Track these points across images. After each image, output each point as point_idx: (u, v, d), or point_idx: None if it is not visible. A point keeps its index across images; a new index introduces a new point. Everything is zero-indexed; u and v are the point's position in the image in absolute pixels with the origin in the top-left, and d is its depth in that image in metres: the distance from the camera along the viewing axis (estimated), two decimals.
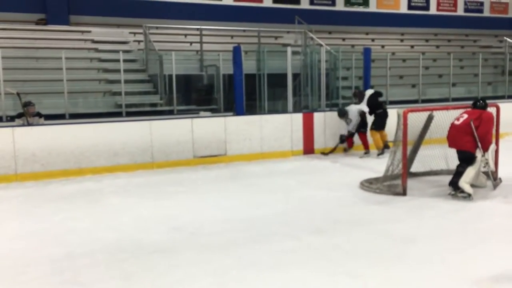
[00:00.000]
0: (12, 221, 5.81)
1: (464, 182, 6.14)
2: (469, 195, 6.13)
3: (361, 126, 9.91)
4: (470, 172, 6.17)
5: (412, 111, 6.62)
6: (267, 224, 5.38)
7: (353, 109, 9.93)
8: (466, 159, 6.24)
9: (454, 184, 6.30)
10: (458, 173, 6.27)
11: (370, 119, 9.94)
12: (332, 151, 10.01)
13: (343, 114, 9.93)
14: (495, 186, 6.67)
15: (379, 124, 9.79)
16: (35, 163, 7.97)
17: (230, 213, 5.89)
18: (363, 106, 9.91)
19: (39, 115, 8.53)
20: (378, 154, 9.66)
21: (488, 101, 6.77)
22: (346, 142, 10.13)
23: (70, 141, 8.20)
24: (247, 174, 8.35)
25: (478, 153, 6.19)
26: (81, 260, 4.40)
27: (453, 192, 6.30)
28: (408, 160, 6.70)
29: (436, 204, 6.07)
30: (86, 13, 13.94)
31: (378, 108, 9.85)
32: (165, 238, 4.98)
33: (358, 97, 10.30)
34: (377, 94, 10.05)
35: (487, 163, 6.24)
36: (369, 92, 10.15)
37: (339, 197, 6.57)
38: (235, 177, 8.18)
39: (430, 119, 6.79)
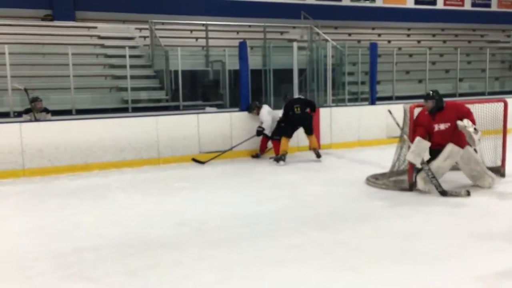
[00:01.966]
0: (19, 216, 5.85)
1: (419, 177, 6.35)
2: (421, 190, 6.33)
3: (275, 134, 9.03)
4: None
5: (418, 106, 6.60)
6: (272, 220, 5.39)
7: (265, 112, 9.03)
8: None
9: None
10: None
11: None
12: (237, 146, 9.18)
13: (251, 109, 9.28)
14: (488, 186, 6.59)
15: (288, 131, 8.87)
16: (42, 159, 8.02)
17: (236, 209, 5.90)
18: (279, 112, 9.04)
19: (46, 110, 8.58)
20: (274, 159, 8.79)
21: (496, 97, 6.74)
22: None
23: (77, 136, 8.23)
24: (252, 170, 8.37)
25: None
26: (87, 255, 4.43)
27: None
28: None
29: (442, 200, 6.04)
30: (92, 8, 14.01)
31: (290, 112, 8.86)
32: (171, 234, 5.00)
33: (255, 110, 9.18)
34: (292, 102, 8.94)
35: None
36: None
37: (345, 193, 6.56)
38: (241, 173, 8.20)
39: None
